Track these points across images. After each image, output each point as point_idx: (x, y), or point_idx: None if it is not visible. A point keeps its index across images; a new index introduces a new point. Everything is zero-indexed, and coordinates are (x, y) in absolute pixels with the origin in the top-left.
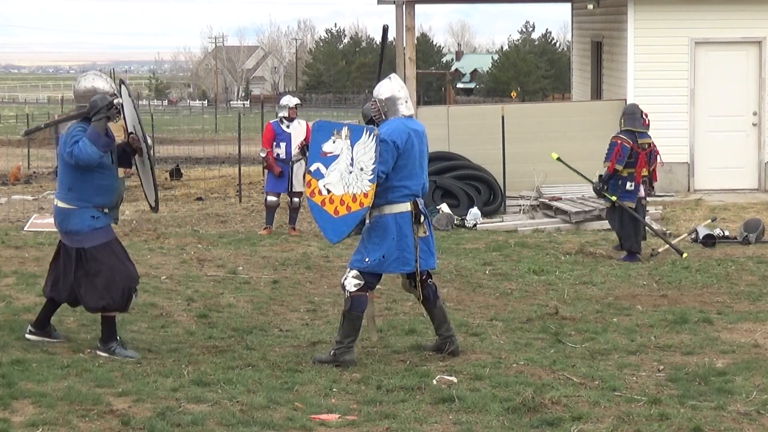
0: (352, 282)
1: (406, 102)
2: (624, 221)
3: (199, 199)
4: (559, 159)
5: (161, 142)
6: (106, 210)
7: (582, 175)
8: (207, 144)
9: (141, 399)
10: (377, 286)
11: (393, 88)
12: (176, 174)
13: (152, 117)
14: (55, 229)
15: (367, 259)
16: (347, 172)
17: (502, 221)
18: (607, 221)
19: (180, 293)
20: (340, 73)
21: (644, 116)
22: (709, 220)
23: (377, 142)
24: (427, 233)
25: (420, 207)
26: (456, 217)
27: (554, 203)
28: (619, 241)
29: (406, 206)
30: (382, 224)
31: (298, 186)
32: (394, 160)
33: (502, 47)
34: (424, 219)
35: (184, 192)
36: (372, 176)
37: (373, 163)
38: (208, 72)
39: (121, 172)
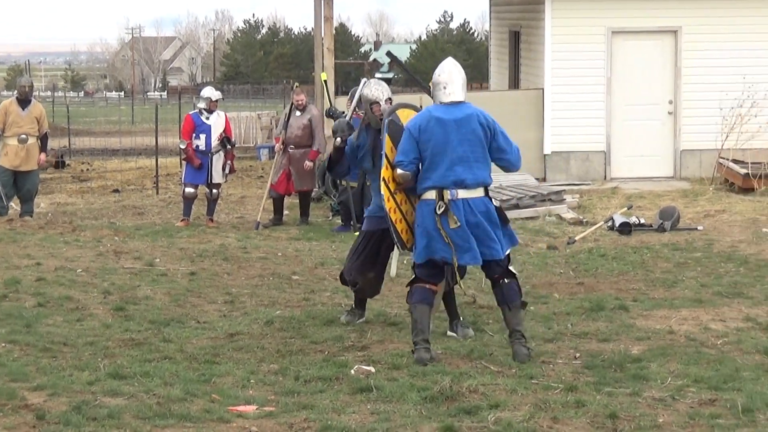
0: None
1: (445, 87)
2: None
3: (116, 191)
4: (325, 82)
5: (77, 134)
6: None
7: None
8: (124, 135)
9: (56, 393)
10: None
11: (437, 71)
12: (61, 164)
13: (68, 109)
14: None
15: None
16: None
17: None
18: (523, 209)
19: (96, 286)
20: (258, 63)
21: None
22: (625, 208)
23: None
24: (459, 224)
25: (447, 198)
26: None
27: None
28: (341, 213)
29: (431, 194)
30: (417, 213)
31: (216, 177)
32: (413, 149)
33: (420, 37)
34: (454, 211)
35: (100, 184)
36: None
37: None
38: (124, 63)
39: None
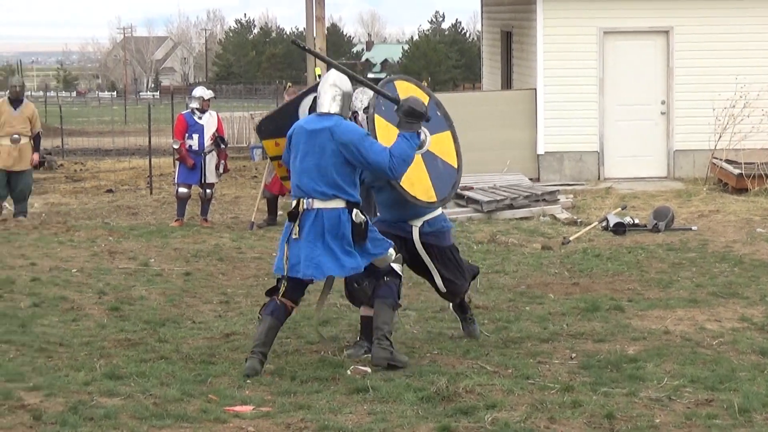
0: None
1: (317, 98)
2: None
3: (110, 191)
4: (319, 76)
5: (70, 134)
6: None
7: None
8: (117, 135)
9: (53, 393)
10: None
11: (320, 83)
12: (41, 165)
13: (60, 109)
14: None
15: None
16: None
17: None
18: (518, 210)
19: (91, 286)
20: (250, 63)
21: None
22: (619, 209)
23: None
24: (299, 237)
25: (302, 207)
26: None
27: (466, 193)
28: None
29: (294, 202)
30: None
31: (210, 177)
32: (288, 153)
33: (412, 37)
34: (304, 220)
35: (93, 184)
36: None
37: None
38: (116, 63)
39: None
